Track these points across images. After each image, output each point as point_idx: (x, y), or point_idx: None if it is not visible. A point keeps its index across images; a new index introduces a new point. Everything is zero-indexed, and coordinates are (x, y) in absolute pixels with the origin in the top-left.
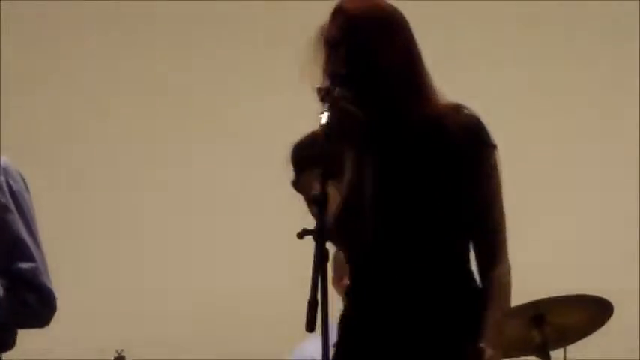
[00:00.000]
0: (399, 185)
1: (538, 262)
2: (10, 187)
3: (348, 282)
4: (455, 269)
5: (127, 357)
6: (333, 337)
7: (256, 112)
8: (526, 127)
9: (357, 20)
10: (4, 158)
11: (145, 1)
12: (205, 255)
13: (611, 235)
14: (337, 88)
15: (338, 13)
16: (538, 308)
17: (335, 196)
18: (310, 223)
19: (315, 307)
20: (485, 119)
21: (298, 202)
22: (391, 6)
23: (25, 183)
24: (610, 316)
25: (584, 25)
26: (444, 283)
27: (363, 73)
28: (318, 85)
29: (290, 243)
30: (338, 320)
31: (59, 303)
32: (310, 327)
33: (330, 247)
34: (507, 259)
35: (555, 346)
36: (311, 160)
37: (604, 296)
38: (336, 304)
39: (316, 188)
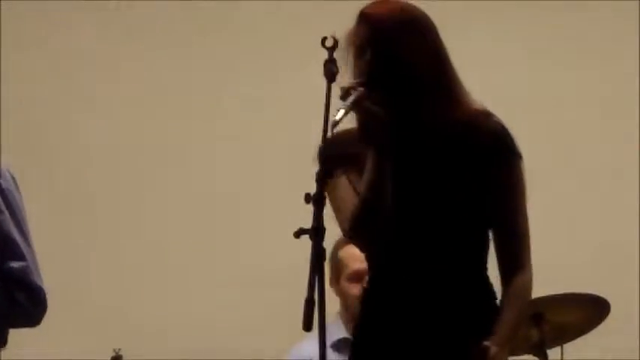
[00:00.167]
0: (420, 187)
1: (537, 263)
2: None
3: (366, 284)
4: (472, 274)
5: (124, 356)
6: (330, 336)
7: (254, 113)
8: (525, 127)
9: (382, 23)
10: None
11: (145, 1)
12: (202, 255)
13: (610, 233)
14: (360, 89)
15: (363, 17)
16: (537, 307)
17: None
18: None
19: (312, 307)
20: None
21: (295, 201)
22: (417, 8)
23: (15, 182)
24: (607, 315)
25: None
26: (461, 288)
27: (390, 76)
28: (342, 85)
29: (288, 240)
30: (336, 318)
31: (56, 302)
32: (307, 326)
33: (327, 246)
34: (530, 267)
35: (552, 345)
36: (337, 159)
37: (604, 295)
38: (334, 304)
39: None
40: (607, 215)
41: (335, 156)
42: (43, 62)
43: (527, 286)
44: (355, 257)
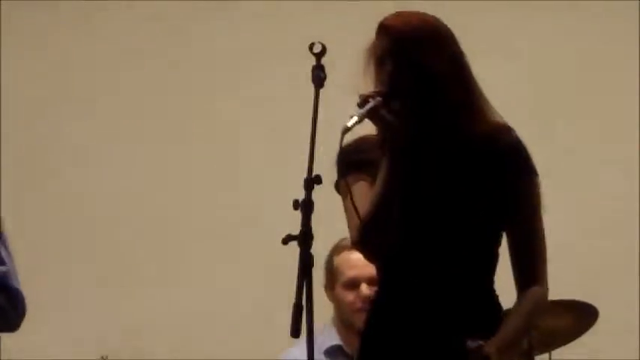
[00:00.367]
0: (432, 198)
1: None
2: None
3: (376, 289)
4: (480, 288)
5: None
6: (323, 343)
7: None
8: (524, 126)
9: (402, 35)
10: None
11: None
12: (190, 257)
13: (607, 237)
14: (378, 98)
15: (384, 28)
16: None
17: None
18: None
19: (300, 313)
20: None
21: (286, 207)
22: (438, 20)
23: None
24: (595, 322)
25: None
26: (468, 301)
27: (410, 87)
28: (360, 93)
29: (273, 247)
30: (329, 325)
31: (45, 305)
32: (295, 332)
33: (322, 253)
34: (546, 283)
35: (540, 352)
36: (352, 165)
37: (602, 302)
38: (322, 310)
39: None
40: (605, 216)
41: (353, 161)
42: (43, 62)
43: (540, 299)
44: (351, 264)
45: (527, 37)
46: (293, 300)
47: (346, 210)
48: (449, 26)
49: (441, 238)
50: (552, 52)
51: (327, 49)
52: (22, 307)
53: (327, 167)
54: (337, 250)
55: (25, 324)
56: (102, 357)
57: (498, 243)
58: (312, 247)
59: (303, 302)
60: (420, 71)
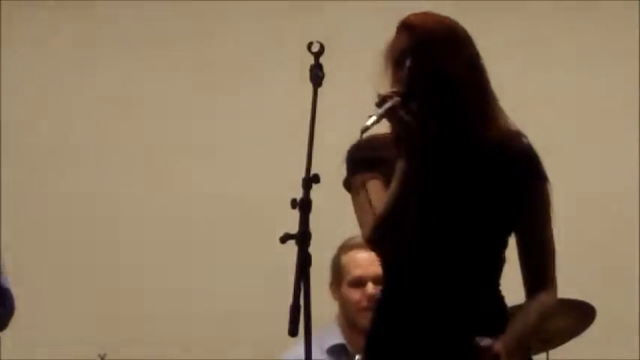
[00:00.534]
0: (445, 200)
1: None
2: None
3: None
4: (488, 290)
5: None
6: (325, 342)
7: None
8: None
9: (425, 34)
10: None
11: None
12: (189, 257)
13: (608, 236)
14: (396, 98)
15: (406, 26)
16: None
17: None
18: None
19: (297, 312)
20: None
21: (284, 206)
22: (457, 23)
23: None
24: (592, 321)
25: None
26: (476, 303)
27: (428, 87)
28: (379, 92)
29: (273, 244)
30: (332, 323)
31: (45, 305)
32: (293, 331)
33: (320, 252)
34: (555, 288)
35: (537, 351)
36: (364, 163)
37: (602, 300)
38: (320, 309)
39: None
40: (606, 214)
41: (366, 159)
42: (44, 61)
43: (548, 304)
44: (357, 263)
45: (525, 39)
46: (290, 299)
47: (357, 207)
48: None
49: (453, 239)
50: (552, 51)
51: (326, 48)
52: (10, 306)
53: (325, 166)
54: (345, 248)
55: (25, 324)
56: (99, 355)
57: (506, 246)
58: (310, 246)
59: (301, 301)
60: (439, 72)
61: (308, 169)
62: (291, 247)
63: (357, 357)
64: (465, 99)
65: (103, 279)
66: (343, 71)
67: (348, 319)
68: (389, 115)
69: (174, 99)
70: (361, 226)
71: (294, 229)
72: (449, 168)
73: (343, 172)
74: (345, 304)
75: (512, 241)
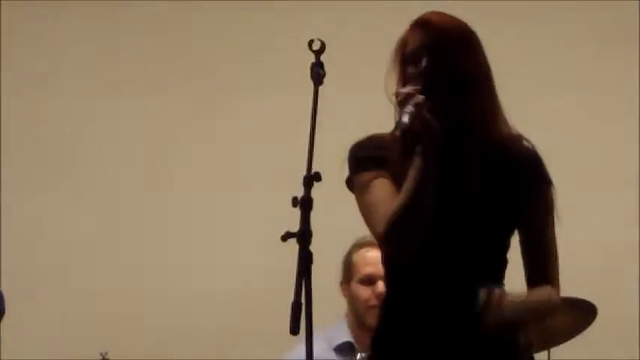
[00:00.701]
0: (459, 200)
1: None
2: None
3: (385, 289)
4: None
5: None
6: (333, 339)
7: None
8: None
9: (443, 33)
10: None
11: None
12: (189, 256)
13: (609, 234)
14: (419, 96)
15: (422, 24)
16: None
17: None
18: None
19: (299, 310)
20: None
21: (286, 204)
22: (469, 25)
23: None
24: (594, 320)
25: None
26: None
27: (445, 86)
28: (399, 90)
29: (274, 244)
30: (340, 321)
31: (46, 305)
32: (294, 330)
33: (321, 251)
34: (558, 286)
35: (539, 350)
36: (369, 161)
37: (602, 299)
38: (321, 308)
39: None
40: (606, 216)
41: (371, 158)
42: (44, 61)
43: (553, 297)
44: (368, 261)
45: (528, 37)
46: (292, 298)
47: (365, 204)
48: None
49: (466, 238)
50: (552, 52)
51: (327, 46)
52: (1, 307)
53: (326, 164)
54: (356, 246)
55: (25, 324)
56: (101, 354)
57: (509, 247)
58: (311, 244)
59: (303, 300)
60: (456, 72)
61: (309, 167)
62: (293, 245)
63: (358, 355)
64: (477, 99)
65: (103, 279)
66: (344, 69)
67: (356, 316)
68: (416, 114)
69: (174, 97)
70: (370, 223)
71: (295, 227)
72: (461, 167)
73: (344, 171)
74: (354, 302)
75: (514, 242)
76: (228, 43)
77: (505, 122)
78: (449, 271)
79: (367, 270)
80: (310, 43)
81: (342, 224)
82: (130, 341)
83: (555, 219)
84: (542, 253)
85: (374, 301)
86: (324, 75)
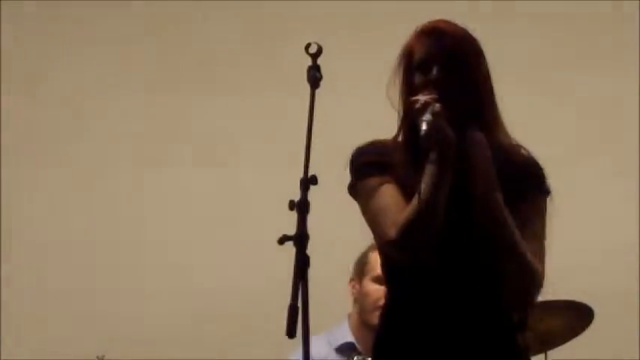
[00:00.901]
0: (466, 208)
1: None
2: None
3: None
4: (497, 297)
5: None
6: (335, 340)
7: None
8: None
9: (454, 42)
10: None
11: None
12: (188, 257)
13: (608, 235)
14: (436, 104)
15: (433, 32)
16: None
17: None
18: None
19: (295, 313)
20: None
21: (281, 207)
22: (472, 33)
23: None
24: (591, 322)
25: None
26: (487, 308)
27: (456, 94)
28: (416, 98)
29: (273, 243)
30: (342, 321)
31: (46, 305)
32: (291, 333)
33: (317, 254)
34: (543, 269)
35: (535, 353)
36: (373, 167)
37: (602, 300)
38: (318, 311)
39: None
40: (606, 217)
41: (375, 163)
42: (44, 62)
43: (536, 264)
44: None
45: (528, 36)
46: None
47: (371, 210)
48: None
49: (472, 245)
50: (553, 53)
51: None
52: None
53: (323, 167)
54: (374, 246)
55: (25, 324)
56: (98, 357)
57: None
58: (308, 247)
59: (299, 303)
60: (467, 80)
61: (306, 170)
62: (289, 248)
63: (355, 358)
64: (485, 108)
65: (103, 279)
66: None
67: (362, 315)
68: (434, 122)
69: (172, 97)
70: (379, 228)
71: (291, 230)
72: (468, 174)
73: (341, 174)
74: (363, 299)
75: None
76: (228, 43)
77: (505, 132)
78: (459, 277)
79: None
80: (307, 46)
81: (340, 228)
82: (129, 342)
83: (547, 225)
84: (530, 238)
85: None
86: (320, 78)
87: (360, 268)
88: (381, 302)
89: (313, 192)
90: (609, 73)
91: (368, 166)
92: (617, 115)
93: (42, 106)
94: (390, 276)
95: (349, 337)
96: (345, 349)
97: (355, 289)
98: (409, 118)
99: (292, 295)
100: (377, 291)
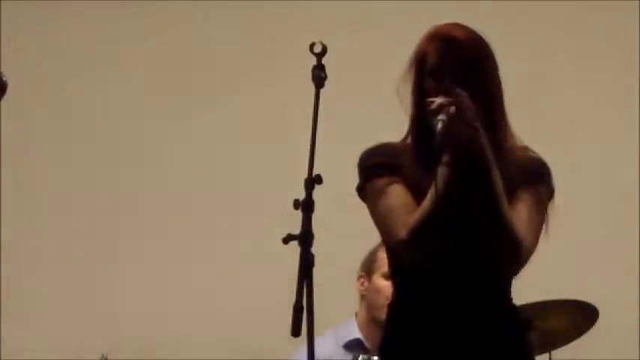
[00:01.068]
0: (479, 209)
1: (530, 268)
2: None
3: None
4: (507, 300)
5: None
6: (343, 337)
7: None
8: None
9: (468, 49)
10: None
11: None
12: (190, 257)
13: (609, 236)
14: (452, 107)
15: (445, 38)
16: (524, 313)
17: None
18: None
19: (300, 313)
20: None
21: (286, 206)
22: (485, 37)
23: None
24: (595, 322)
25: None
26: (495, 312)
27: (471, 97)
28: (432, 99)
29: (277, 243)
30: (349, 319)
31: (46, 306)
32: (295, 332)
33: (322, 253)
34: (531, 243)
35: (540, 352)
36: (382, 168)
37: (602, 300)
38: (322, 310)
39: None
40: (607, 217)
41: (385, 165)
42: (45, 62)
43: (518, 230)
44: None
45: (529, 35)
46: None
47: (380, 210)
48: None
49: (481, 247)
50: (553, 51)
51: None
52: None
53: (327, 167)
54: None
55: (25, 324)
56: (102, 355)
57: None
58: (313, 246)
59: (304, 302)
60: (480, 88)
61: (310, 170)
62: (294, 248)
63: (360, 357)
64: (494, 113)
65: (103, 279)
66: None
67: (374, 309)
68: (451, 125)
69: (174, 97)
70: (389, 228)
71: (296, 229)
72: (477, 177)
73: (345, 174)
74: (375, 296)
75: None
76: (229, 43)
77: (512, 135)
78: (468, 279)
79: None
80: (312, 45)
81: (344, 227)
82: (130, 342)
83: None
84: (523, 216)
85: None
86: (325, 78)
87: (370, 265)
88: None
89: (317, 191)
90: (610, 73)
91: (377, 167)
92: (617, 113)
93: (41, 106)
94: (397, 275)
95: (357, 334)
96: (353, 346)
97: (364, 287)
98: (421, 120)
99: (297, 295)
100: (389, 287)
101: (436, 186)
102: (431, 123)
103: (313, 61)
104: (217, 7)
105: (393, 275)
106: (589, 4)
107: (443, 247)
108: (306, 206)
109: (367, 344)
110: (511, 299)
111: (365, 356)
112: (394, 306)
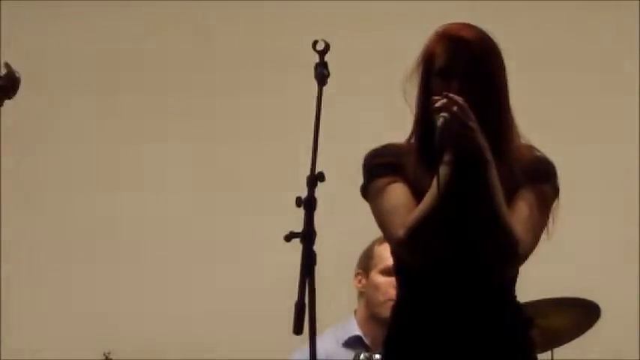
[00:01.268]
0: (480, 208)
1: (531, 267)
2: None
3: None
4: (511, 299)
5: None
6: (342, 334)
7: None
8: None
9: (477, 50)
10: None
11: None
12: (190, 256)
13: (609, 235)
14: (455, 107)
15: (454, 39)
16: (526, 311)
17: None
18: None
19: (302, 310)
20: None
21: (288, 204)
22: (492, 36)
23: None
24: (597, 320)
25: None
26: (498, 313)
27: (476, 100)
28: (437, 98)
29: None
30: (349, 317)
31: (46, 306)
32: (297, 330)
33: (324, 251)
34: (528, 245)
35: (542, 350)
36: (385, 167)
37: (602, 300)
38: (325, 308)
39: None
40: (607, 217)
41: (387, 165)
42: (45, 62)
43: (515, 227)
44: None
45: (528, 35)
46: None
47: (381, 209)
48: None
49: (481, 246)
50: (553, 51)
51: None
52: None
53: (329, 164)
54: (381, 240)
55: (25, 324)
56: (104, 354)
57: None
58: (315, 244)
59: (306, 300)
60: (488, 89)
61: (313, 167)
62: (296, 245)
63: (362, 355)
64: (501, 114)
65: (103, 279)
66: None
67: (373, 306)
68: (452, 125)
69: (175, 97)
70: (388, 227)
71: (298, 227)
72: (479, 177)
73: (348, 172)
74: (373, 292)
75: None
76: (229, 43)
77: (518, 134)
78: (468, 278)
79: (390, 262)
80: (314, 43)
81: (346, 224)
82: (131, 342)
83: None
84: (523, 214)
85: (393, 293)
86: (328, 75)
87: (367, 262)
88: (392, 294)
89: (320, 189)
90: (610, 74)
91: (380, 167)
92: (617, 113)
93: (41, 106)
94: (401, 273)
95: (356, 331)
96: (353, 343)
97: (361, 284)
98: (426, 120)
99: (299, 293)
100: (386, 283)
101: (438, 185)
102: (434, 121)
103: (314, 61)
104: (217, 7)
105: (397, 273)
106: (589, 4)
107: (441, 247)
108: (308, 204)
109: (367, 341)
110: (514, 297)
111: (366, 354)
112: (398, 304)
